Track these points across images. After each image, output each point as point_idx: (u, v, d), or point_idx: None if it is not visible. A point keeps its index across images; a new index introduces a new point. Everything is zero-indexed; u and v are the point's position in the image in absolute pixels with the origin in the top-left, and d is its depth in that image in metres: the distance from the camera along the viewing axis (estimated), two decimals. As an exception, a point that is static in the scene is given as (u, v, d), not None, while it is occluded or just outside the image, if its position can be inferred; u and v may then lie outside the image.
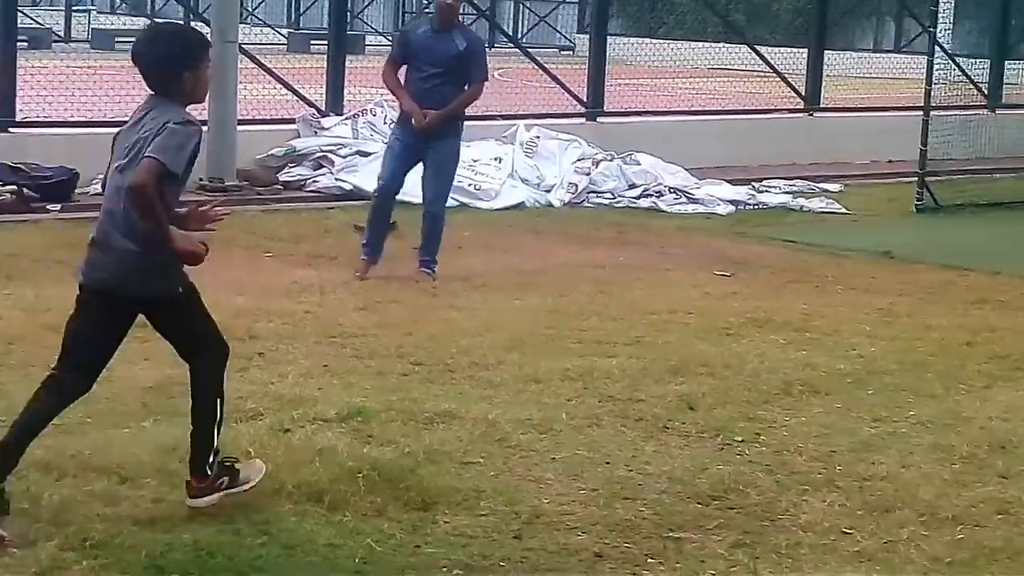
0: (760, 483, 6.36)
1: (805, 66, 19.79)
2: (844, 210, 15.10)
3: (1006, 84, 21.40)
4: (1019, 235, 14.00)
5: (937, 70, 16.06)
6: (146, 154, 5.27)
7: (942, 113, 16.30)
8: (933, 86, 15.53)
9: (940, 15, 22.53)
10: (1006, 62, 21.52)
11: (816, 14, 20.46)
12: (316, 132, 15.02)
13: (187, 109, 5.53)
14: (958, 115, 17.45)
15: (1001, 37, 22.02)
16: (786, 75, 19.53)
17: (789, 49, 21.16)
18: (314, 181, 14.39)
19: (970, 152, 17.59)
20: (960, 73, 19.53)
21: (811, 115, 19.23)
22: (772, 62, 19.68)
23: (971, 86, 19.76)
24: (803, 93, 19.36)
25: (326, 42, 17.27)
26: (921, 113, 15.44)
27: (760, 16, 32.45)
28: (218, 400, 5.70)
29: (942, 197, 15.39)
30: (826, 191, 16.05)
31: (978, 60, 21.45)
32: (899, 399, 7.77)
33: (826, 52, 20.38)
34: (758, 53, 19.92)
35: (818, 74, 19.66)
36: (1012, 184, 17.03)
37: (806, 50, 20.03)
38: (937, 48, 16.59)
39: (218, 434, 5.72)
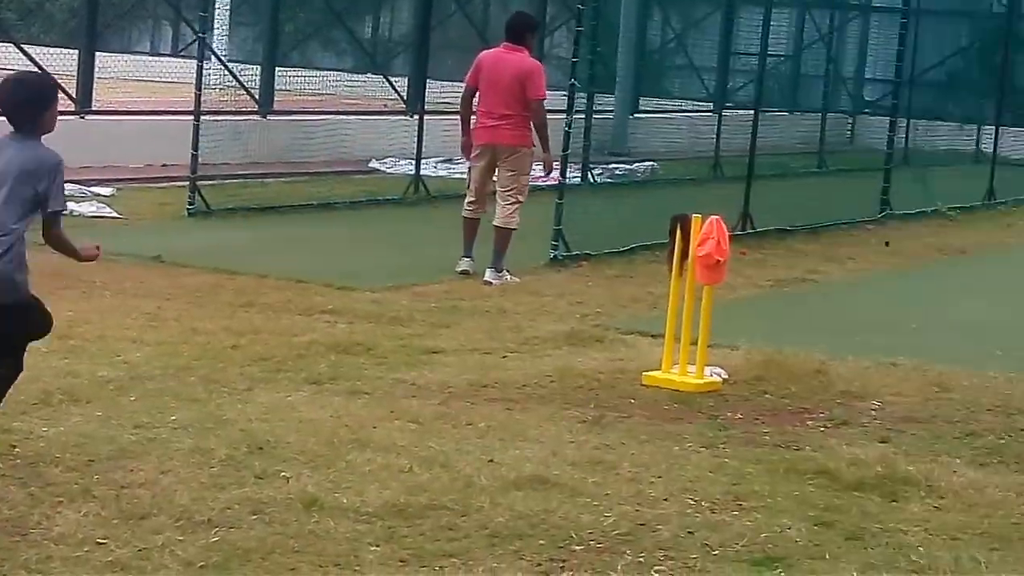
0: (12, 497, 6.15)
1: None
2: (116, 214, 14.95)
3: (279, 90, 21.90)
4: (287, 238, 14.37)
5: (213, 76, 16.19)
6: (52, 209, 6.56)
7: (214, 118, 16.47)
8: (207, 91, 15.64)
9: (216, 21, 22.87)
10: (277, 69, 22.01)
11: (87, 15, 20.11)
12: None
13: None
14: (230, 120, 17.71)
15: (272, 45, 22.51)
16: (61, 77, 19.04)
17: (63, 50, 20.71)
18: None
19: (242, 157, 17.90)
20: (233, 79, 19.85)
21: (83, 118, 18.87)
22: (45, 63, 19.13)
23: (244, 92, 20.12)
24: (74, 96, 18.96)
25: None
26: (193, 118, 15.48)
27: (34, 15, 31.62)
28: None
29: (214, 201, 15.53)
30: (98, 195, 15.82)
31: (253, 66, 21.86)
32: (161, 404, 7.74)
33: (102, 54, 20.10)
34: (26, 53, 19.33)
35: (89, 76, 19.31)
36: (282, 188, 17.46)
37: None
38: (212, 54, 16.75)
39: None
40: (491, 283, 12.33)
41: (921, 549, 6.14)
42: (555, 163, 13.21)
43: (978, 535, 6.41)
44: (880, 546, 6.18)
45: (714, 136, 22.33)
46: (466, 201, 12.98)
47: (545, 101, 12.66)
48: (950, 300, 13.06)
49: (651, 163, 22.35)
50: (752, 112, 17.56)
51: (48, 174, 6.56)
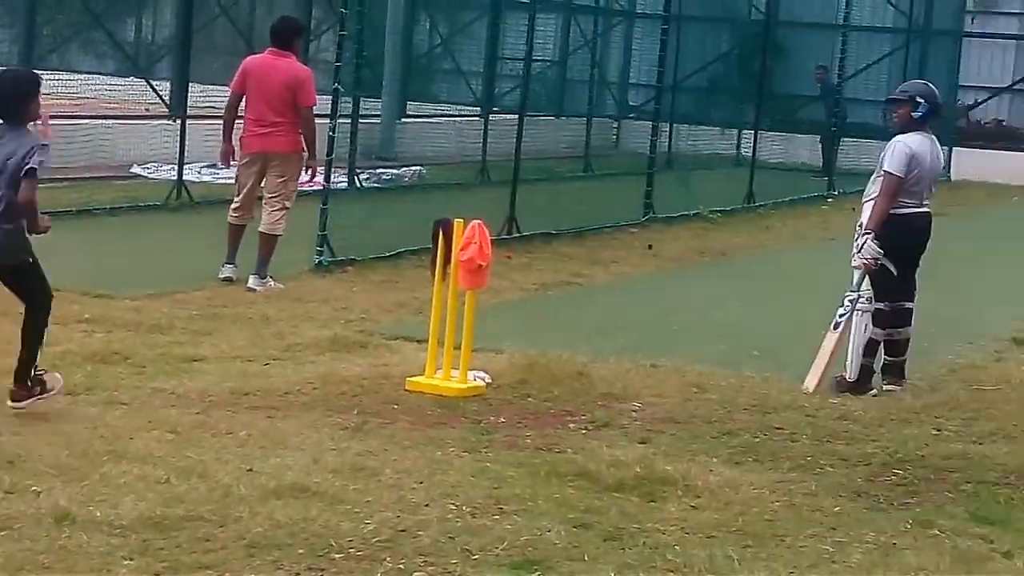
0: None
1: None
2: None
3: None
4: (43, 245, 13.86)
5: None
6: (29, 167, 7.58)
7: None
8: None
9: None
10: (34, 71, 21.40)
11: None
12: None
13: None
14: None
15: (29, 47, 21.94)
16: None
17: None
18: None
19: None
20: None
21: None
22: None
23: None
24: None
25: None
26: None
27: None
28: (45, 329, 7.92)
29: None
30: None
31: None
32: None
33: None
34: None
35: None
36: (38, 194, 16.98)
37: None
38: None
39: (40, 354, 7.86)
40: (255, 290, 12.19)
41: (677, 548, 6.24)
42: (319, 169, 13.12)
43: (733, 533, 6.53)
44: (637, 546, 6.26)
45: (481, 141, 22.43)
46: (232, 207, 12.80)
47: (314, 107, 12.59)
48: (711, 302, 13.31)
49: (418, 168, 22.35)
50: (518, 116, 17.65)
51: (32, 148, 7.57)
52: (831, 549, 6.39)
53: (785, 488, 7.28)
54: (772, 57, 25.96)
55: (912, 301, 9.93)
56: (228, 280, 12.43)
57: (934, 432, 8.63)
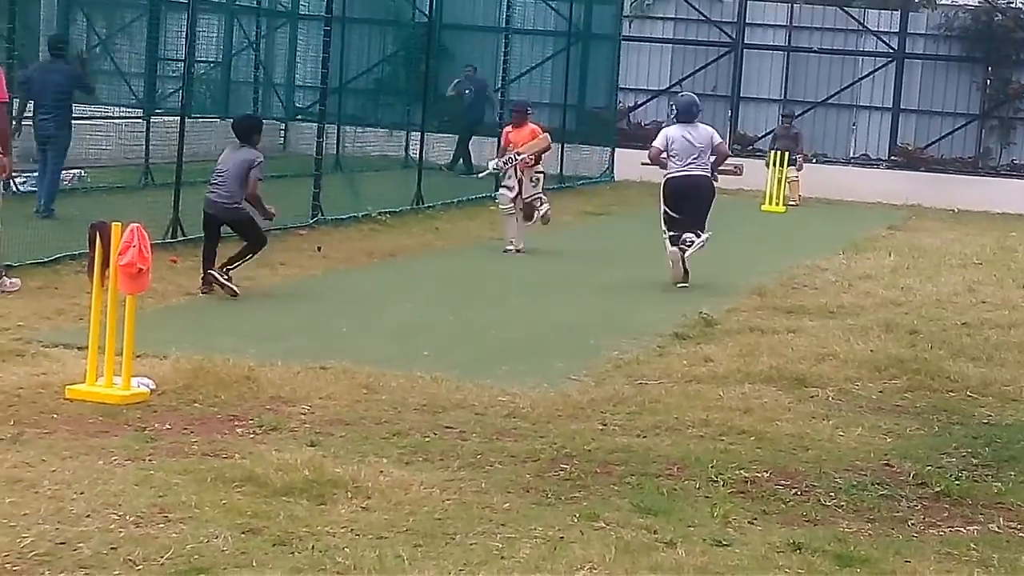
0: None
1: None
2: None
3: None
4: None
5: None
6: None
7: None
8: None
9: None
10: None
11: None
12: None
13: None
14: None
15: None
16: None
17: None
18: None
19: None
20: None
21: None
22: None
23: None
24: None
25: None
26: None
27: None
28: None
29: None
30: None
31: None
32: None
33: None
34: None
35: None
36: None
37: None
38: None
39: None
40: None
41: (347, 550, 6.17)
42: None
43: (403, 533, 6.50)
44: (307, 550, 6.17)
45: (143, 143, 21.93)
46: None
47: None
48: (381, 303, 13.28)
49: (78, 171, 21.68)
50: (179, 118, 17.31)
51: None
52: (500, 545, 6.41)
53: (455, 486, 7.28)
54: (437, 59, 26.10)
55: (680, 231, 15.07)
56: None
57: (600, 427, 8.78)
